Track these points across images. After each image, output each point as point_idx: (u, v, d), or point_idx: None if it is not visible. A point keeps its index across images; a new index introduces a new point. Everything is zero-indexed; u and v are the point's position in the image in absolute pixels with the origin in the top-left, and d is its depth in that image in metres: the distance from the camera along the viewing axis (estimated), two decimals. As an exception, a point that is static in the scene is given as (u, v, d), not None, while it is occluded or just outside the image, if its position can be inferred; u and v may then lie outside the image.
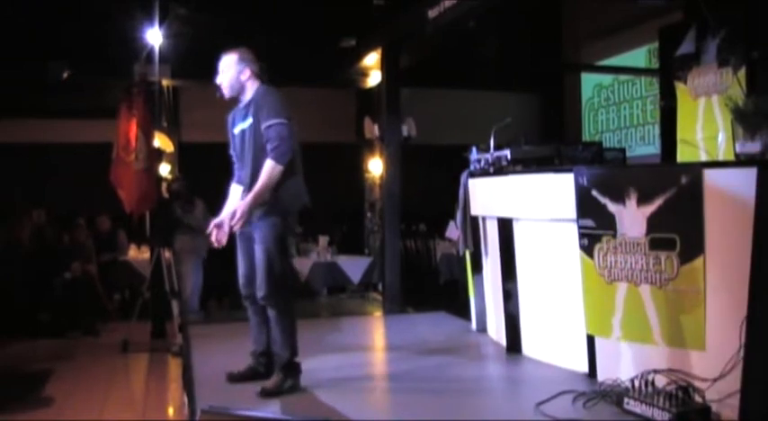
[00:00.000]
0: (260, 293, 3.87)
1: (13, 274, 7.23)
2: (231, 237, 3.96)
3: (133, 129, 6.84)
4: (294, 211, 3.97)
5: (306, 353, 4.02)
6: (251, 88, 3.96)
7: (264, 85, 3.98)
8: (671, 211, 3.50)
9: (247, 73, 3.95)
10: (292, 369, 3.92)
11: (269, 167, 3.75)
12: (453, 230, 6.80)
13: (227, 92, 3.99)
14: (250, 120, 3.89)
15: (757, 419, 3.06)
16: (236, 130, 4.00)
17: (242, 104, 3.99)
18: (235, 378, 4.08)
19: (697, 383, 3.31)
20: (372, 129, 9.46)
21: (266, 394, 3.79)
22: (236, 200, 3.97)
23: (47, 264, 7.58)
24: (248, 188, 3.84)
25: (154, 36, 7.34)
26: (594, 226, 3.88)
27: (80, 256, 7.94)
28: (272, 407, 3.64)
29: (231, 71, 3.95)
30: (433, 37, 7.28)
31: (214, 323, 7.03)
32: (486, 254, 5.29)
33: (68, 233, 8.28)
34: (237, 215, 3.73)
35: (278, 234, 3.85)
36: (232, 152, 4.11)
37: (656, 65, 9.28)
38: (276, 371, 3.92)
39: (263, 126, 3.79)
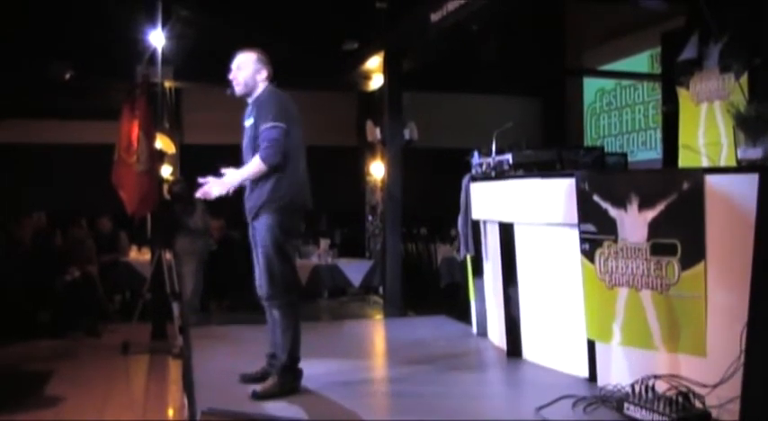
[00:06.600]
0: (261, 293, 3.96)
1: (14, 275, 7.23)
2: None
3: (135, 131, 6.84)
4: (289, 212, 3.90)
5: (306, 356, 4.02)
6: (261, 89, 3.99)
7: (271, 87, 4.00)
8: (672, 217, 3.50)
9: (264, 74, 3.98)
10: (290, 373, 3.90)
11: (254, 163, 3.85)
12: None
13: (240, 89, 4.00)
14: (251, 120, 3.95)
15: (757, 425, 3.06)
16: (246, 124, 4.03)
17: (249, 102, 4.02)
18: (247, 379, 4.08)
19: (697, 389, 3.31)
20: (374, 133, 9.46)
21: (257, 397, 3.77)
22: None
23: (47, 264, 7.58)
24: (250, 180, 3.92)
25: (156, 38, 7.36)
26: (596, 231, 3.88)
27: (80, 257, 7.94)
28: (271, 409, 3.64)
29: (248, 69, 3.97)
30: (435, 41, 7.29)
31: (214, 325, 7.03)
32: (487, 258, 5.29)
33: (68, 234, 8.28)
34: (218, 184, 3.86)
35: (274, 236, 3.85)
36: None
37: (658, 70, 9.30)
38: (273, 374, 3.91)
39: (260, 128, 3.84)
